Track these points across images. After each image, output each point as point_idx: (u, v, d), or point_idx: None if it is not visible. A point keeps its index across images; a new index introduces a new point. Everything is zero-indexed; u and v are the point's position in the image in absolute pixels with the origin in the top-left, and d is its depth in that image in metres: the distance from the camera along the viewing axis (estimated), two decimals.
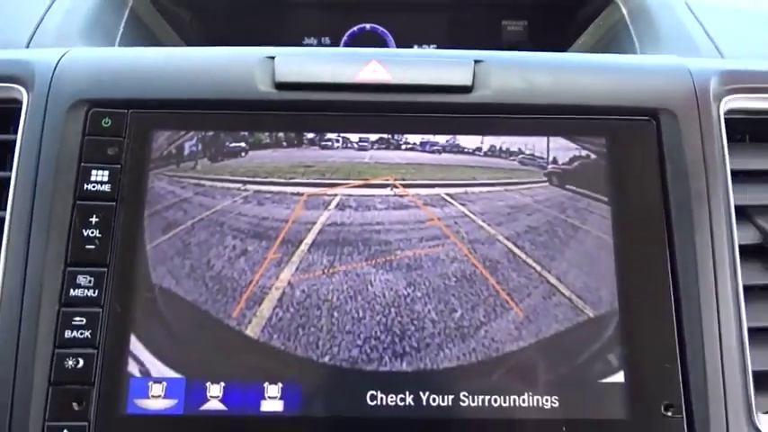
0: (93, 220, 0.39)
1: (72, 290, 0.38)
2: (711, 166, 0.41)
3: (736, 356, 0.39)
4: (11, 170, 0.41)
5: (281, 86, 0.42)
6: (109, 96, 0.41)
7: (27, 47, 0.50)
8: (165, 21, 0.69)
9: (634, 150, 0.42)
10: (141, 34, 0.63)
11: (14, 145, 0.41)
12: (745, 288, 0.41)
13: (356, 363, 0.38)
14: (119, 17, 0.61)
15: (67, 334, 0.38)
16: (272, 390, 0.38)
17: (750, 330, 0.40)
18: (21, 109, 0.42)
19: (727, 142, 0.43)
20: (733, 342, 0.39)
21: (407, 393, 0.38)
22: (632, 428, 0.37)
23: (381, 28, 0.75)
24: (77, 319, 0.38)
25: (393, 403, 0.37)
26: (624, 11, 0.65)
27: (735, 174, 0.43)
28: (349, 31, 0.74)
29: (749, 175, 0.44)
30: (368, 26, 0.76)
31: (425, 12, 0.80)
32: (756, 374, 0.39)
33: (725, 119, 0.43)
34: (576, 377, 0.38)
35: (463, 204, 0.41)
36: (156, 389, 0.38)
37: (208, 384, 0.38)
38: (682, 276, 0.40)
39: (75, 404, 0.37)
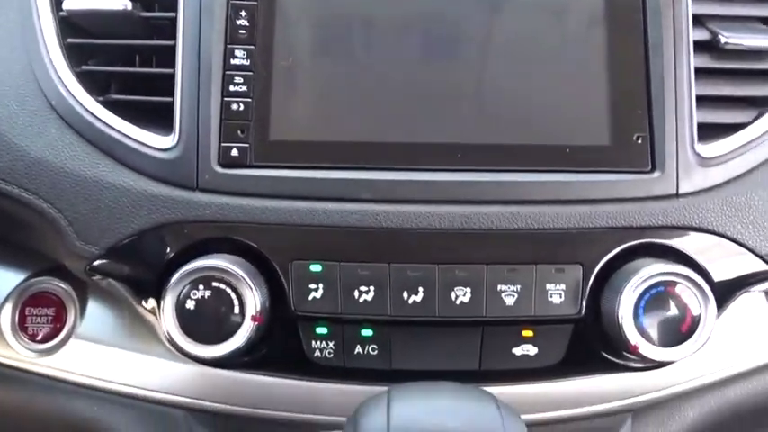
0: (243, 13, 0.55)
1: (231, 59, 0.54)
2: None
3: (686, 110, 0.55)
4: None
5: None
6: None
7: None
8: None
9: None
10: None
11: None
12: (697, 69, 0.57)
13: None
14: None
15: (231, 89, 0.54)
16: None
17: (698, 97, 0.56)
18: None
19: None
20: (685, 101, 0.55)
21: None
22: (615, 150, 0.55)
23: None
24: (237, 79, 0.54)
25: None
26: None
27: None
28: None
29: None
30: None
31: None
32: (699, 124, 0.56)
33: None
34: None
35: None
36: None
37: None
38: (653, 58, 0.56)
39: (239, 132, 0.54)
